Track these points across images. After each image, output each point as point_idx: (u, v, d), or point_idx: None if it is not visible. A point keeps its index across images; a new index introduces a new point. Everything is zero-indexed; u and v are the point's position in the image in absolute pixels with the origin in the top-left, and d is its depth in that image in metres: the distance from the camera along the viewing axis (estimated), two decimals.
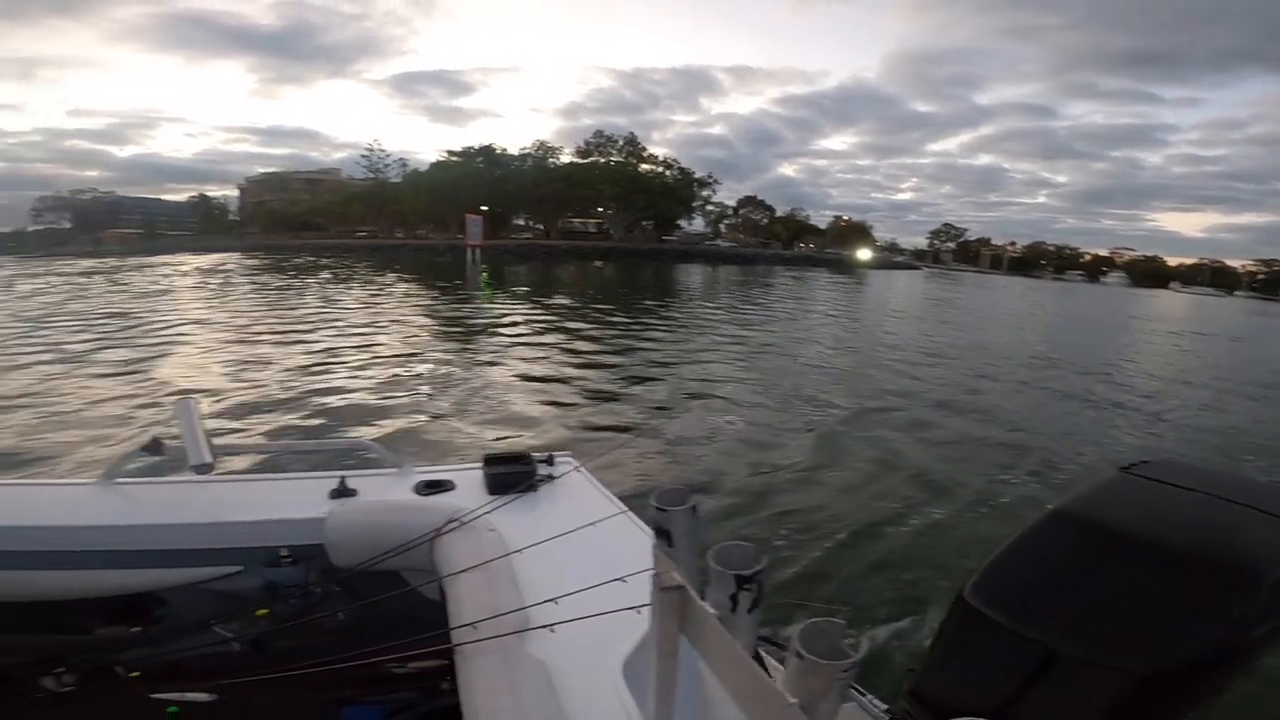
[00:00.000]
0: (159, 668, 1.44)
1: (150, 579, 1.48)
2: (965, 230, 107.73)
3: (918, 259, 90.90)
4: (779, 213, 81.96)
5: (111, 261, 43.47)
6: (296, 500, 1.52)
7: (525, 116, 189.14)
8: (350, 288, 21.49)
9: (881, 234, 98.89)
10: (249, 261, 37.74)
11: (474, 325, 12.76)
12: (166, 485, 1.65)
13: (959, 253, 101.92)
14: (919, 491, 4.48)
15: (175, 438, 1.57)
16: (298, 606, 1.41)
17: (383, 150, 74.11)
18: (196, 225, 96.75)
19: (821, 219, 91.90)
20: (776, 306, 20.04)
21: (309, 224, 76.63)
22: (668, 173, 65.79)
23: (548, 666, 0.88)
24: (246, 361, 8.71)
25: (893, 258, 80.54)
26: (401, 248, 50.76)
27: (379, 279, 24.88)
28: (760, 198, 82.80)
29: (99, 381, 7.43)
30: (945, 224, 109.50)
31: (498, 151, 66.42)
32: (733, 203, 78.92)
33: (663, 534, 0.73)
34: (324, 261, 36.44)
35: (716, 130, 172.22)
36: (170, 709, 1.37)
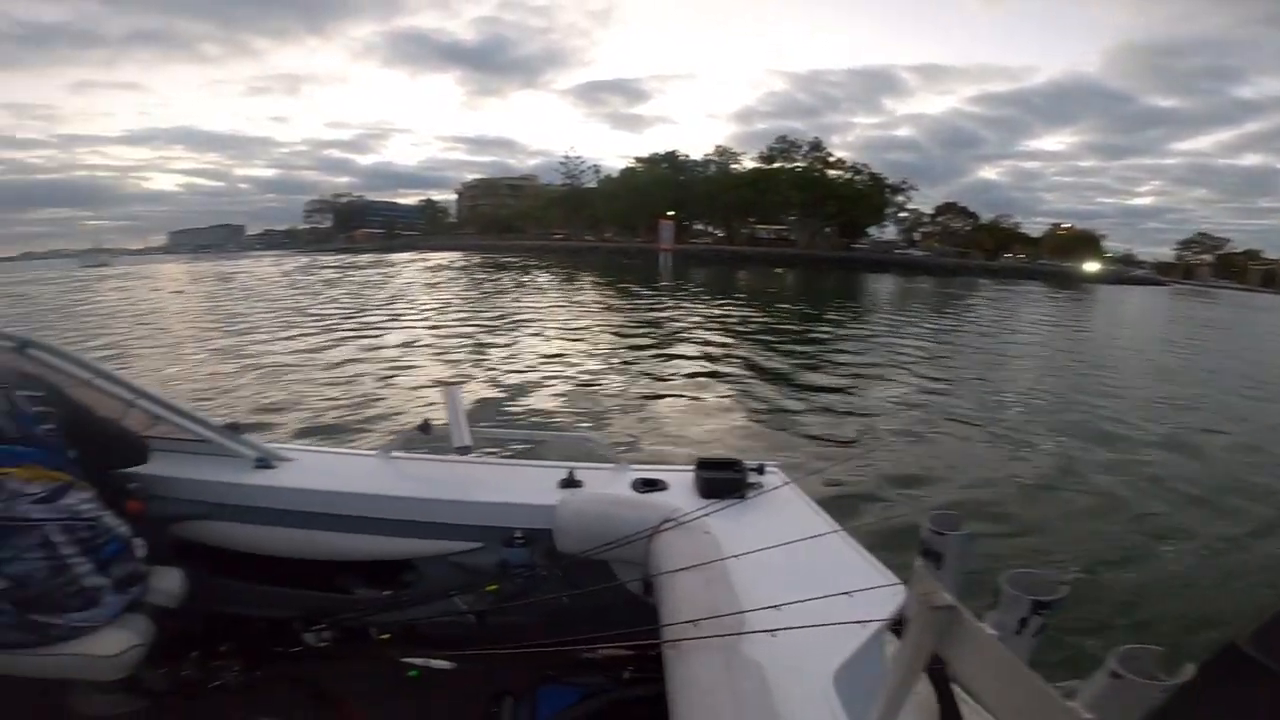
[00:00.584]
0: (401, 631, 1.59)
1: (408, 547, 1.62)
2: (1226, 241, 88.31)
3: (1161, 273, 76.58)
4: (982, 219, 74.38)
5: (367, 257, 52.32)
6: (531, 486, 1.62)
7: (700, 122, 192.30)
8: (561, 286, 23.92)
9: (1112, 244, 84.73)
10: (474, 260, 43.22)
11: (671, 328, 13.09)
12: (432, 463, 1.77)
13: (1219, 266, 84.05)
14: (1171, 533, 4.08)
15: (441, 421, 1.71)
16: (521, 585, 1.51)
17: (578, 157, 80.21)
18: (424, 226, 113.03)
19: (1033, 226, 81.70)
20: (984, 322, 18.39)
21: (511, 226, 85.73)
22: (857, 178, 63.06)
23: (763, 669, 0.91)
24: (489, 351, 9.90)
25: (1128, 271, 68.65)
26: (595, 250, 54.79)
27: (581, 279, 27.31)
28: (960, 204, 75.84)
29: (389, 359, 8.98)
30: (1200, 233, 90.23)
31: (681, 158, 68.87)
32: (929, 209, 73.22)
33: (930, 555, 0.76)
34: (531, 261, 40.42)
35: (903, 132, 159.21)
36: (411, 673, 1.50)
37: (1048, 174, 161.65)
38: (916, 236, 72.47)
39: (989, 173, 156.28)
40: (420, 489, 1.63)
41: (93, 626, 1.36)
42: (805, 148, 64.15)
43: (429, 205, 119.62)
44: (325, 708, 1.49)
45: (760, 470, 1.60)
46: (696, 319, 14.59)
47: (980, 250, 68.28)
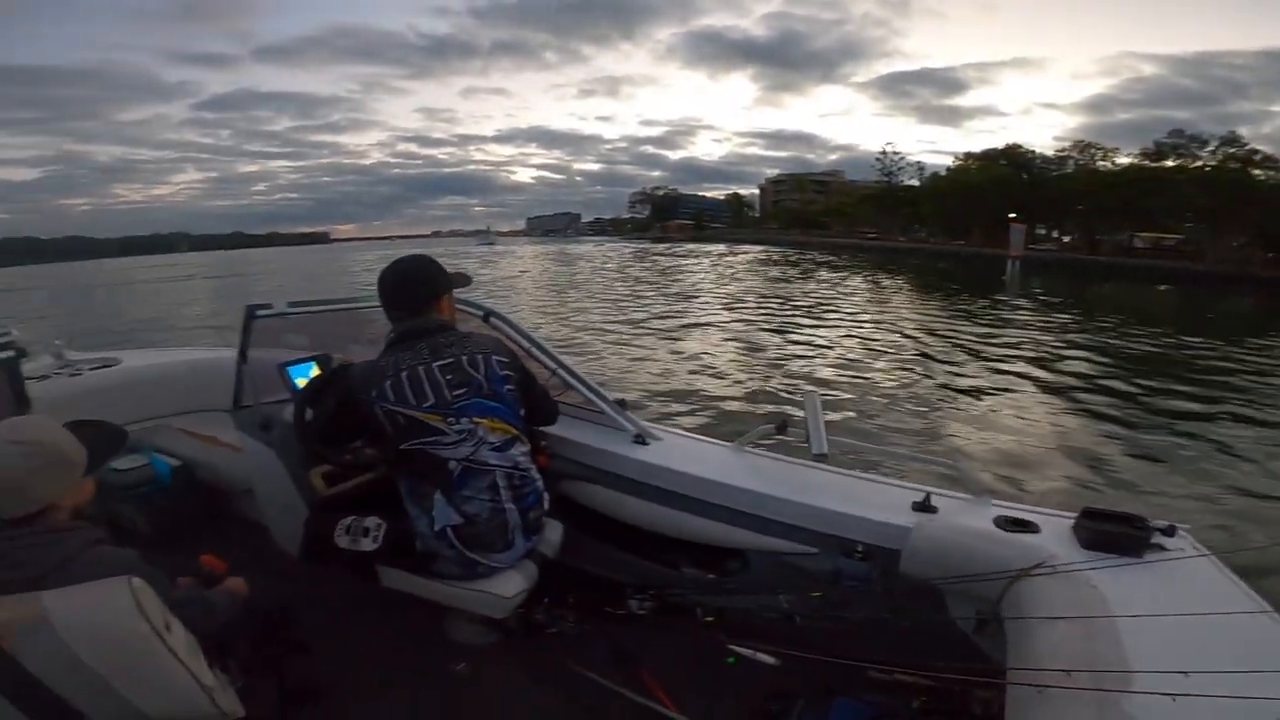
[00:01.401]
0: (715, 615, 1.63)
1: (746, 539, 1.64)
2: None
3: None
4: None
5: (688, 246, 54.93)
6: (883, 503, 1.58)
7: (1036, 113, 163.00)
8: (904, 291, 23.28)
9: None
10: (789, 255, 43.23)
11: (1038, 347, 11.32)
12: (784, 463, 1.78)
13: None
14: None
15: (798, 424, 1.72)
16: (847, 597, 1.48)
17: (896, 153, 76.01)
18: (728, 219, 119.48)
19: None
20: None
21: (816, 222, 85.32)
22: None
23: None
24: (842, 355, 9.69)
25: None
26: (915, 251, 51.78)
27: (920, 284, 26.21)
28: None
29: (742, 350, 9.13)
30: None
31: (1026, 153, 60.25)
32: None
33: None
34: (845, 260, 39.11)
35: None
36: (729, 659, 1.54)
37: None
38: None
39: None
40: (770, 486, 1.67)
41: (502, 568, 1.53)
42: (1215, 143, 50.32)
43: (735, 199, 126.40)
44: (631, 671, 1.56)
45: (1169, 532, 1.38)
46: (1068, 339, 12.57)
47: None
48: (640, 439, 1.89)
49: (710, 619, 1.67)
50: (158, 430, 2.41)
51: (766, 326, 12.77)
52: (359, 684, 1.61)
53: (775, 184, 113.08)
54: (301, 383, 2.03)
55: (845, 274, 29.25)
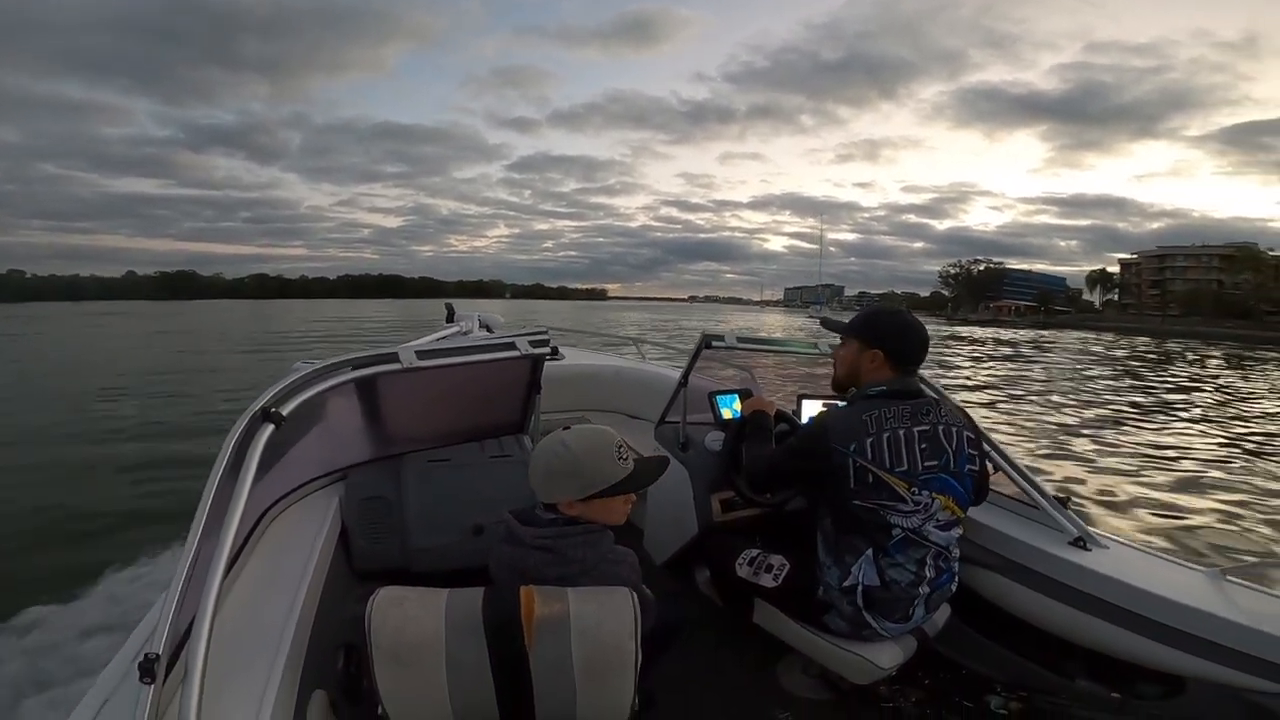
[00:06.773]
0: None
1: (1185, 664, 1.42)
2: None
3: None
4: None
5: (1072, 334, 43.91)
6: None
7: None
8: None
9: None
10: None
11: None
12: (1274, 600, 1.48)
13: None
14: None
15: None
16: None
17: None
18: (1062, 301, 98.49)
19: None
20: None
21: (1230, 306, 65.92)
22: None
23: None
24: None
25: None
26: None
27: None
28: None
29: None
30: None
31: None
32: None
33: None
34: None
35: None
36: None
37: None
38: None
39: None
40: (1251, 619, 1.39)
41: (888, 637, 1.50)
42: None
43: (1100, 276, 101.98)
44: None
45: None
46: None
47: None
48: (1081, 543, 1.70)
49: None
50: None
51: None
52: (674, 708, 1.54)
53: (1156, 260, 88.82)
54: (726, 414, 2.11)
55: None
